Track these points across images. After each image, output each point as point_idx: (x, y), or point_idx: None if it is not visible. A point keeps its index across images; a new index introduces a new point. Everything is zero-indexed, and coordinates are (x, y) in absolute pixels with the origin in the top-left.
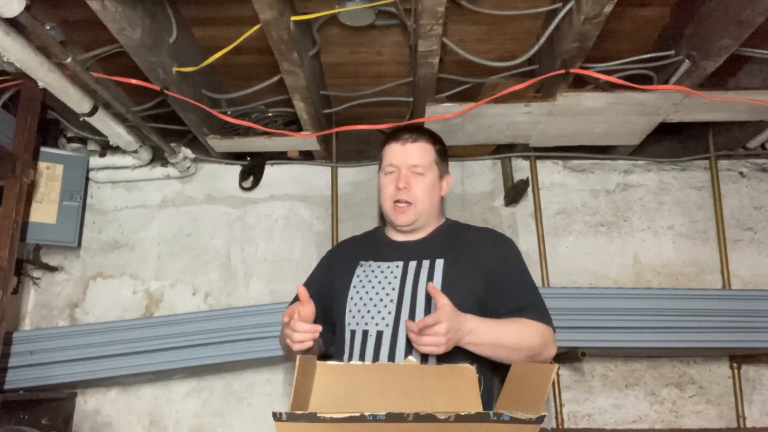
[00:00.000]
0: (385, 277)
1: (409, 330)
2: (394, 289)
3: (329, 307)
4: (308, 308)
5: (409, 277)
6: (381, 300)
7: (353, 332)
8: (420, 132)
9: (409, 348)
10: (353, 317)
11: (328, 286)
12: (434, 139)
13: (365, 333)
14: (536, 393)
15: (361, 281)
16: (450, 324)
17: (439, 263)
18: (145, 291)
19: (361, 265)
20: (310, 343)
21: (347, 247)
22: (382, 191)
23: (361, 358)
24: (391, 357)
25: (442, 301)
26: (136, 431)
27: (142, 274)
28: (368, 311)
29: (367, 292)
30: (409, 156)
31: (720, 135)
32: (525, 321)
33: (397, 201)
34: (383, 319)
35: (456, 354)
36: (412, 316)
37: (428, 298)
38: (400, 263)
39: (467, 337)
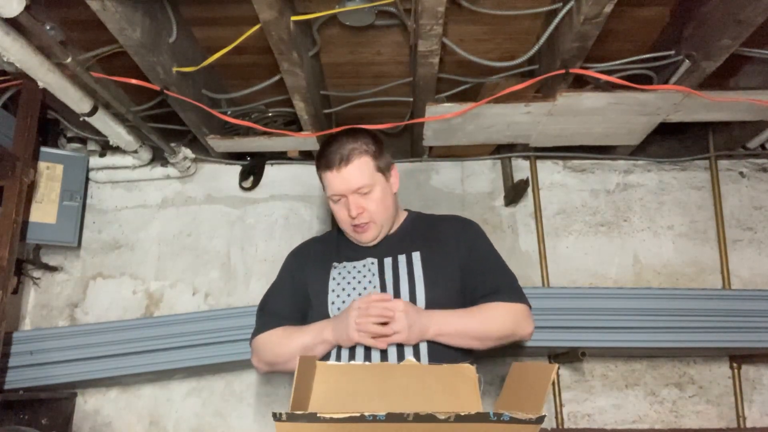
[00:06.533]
0: (364, 276)
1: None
2: (375, 287)
3: (306, 312)
4: None
5: (387, 272)
6: None
7: None
8: (348, 146)
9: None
10: None
11: (304, 289)
12: (364, 143)
13: None
14: (536, 393)
15: (339, 283)
16: (408, 311)
17: (416, 256)
18: (145, 291)
19: (335, 267)
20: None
21: (313, 249)
22: (336, 216)
23: (367, 357)
24: (384, 355)
25: (398, 302)
26: (136, 431)
27: (142, 274)
28: None
29: (348, 295)
30: (349, 181)
31: (720, 135)
32: (494, 305)
33: (356, 225)
34: None
35: (448, 349)
36: None
37: (411, 292)
38: (375, 260)
39: (432, 329)
